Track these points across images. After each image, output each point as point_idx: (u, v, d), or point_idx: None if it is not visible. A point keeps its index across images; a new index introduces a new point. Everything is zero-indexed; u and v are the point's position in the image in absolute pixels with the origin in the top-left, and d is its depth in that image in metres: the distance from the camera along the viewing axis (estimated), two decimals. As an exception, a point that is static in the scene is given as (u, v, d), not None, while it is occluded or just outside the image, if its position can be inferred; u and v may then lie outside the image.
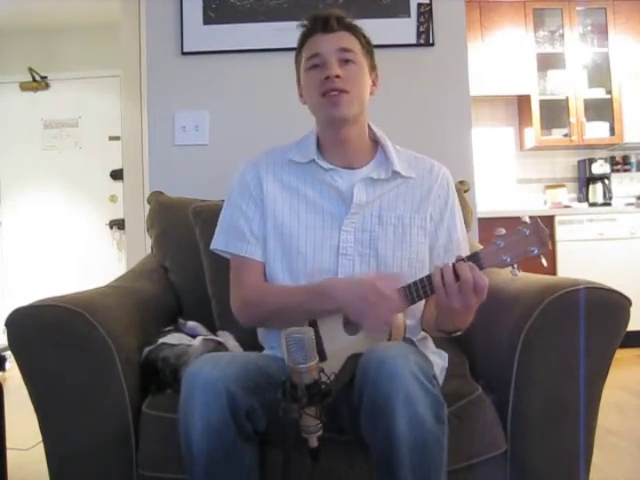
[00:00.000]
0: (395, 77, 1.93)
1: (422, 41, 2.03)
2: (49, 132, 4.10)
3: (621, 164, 4.02)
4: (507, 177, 4.04)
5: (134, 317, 1.29)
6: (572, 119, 3.79)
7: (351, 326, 1.10)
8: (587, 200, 3.91)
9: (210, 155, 2.02)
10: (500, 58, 3.76)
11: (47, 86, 4.10)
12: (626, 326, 1.11)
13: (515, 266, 0.99)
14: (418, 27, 2.03)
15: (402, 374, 0.90)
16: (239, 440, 0.94)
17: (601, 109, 3.84)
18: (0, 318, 1.25)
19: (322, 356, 1.04)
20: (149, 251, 1.81)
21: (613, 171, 3.97)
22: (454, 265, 0.98)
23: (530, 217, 0.99)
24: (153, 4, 2.08)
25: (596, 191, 3.88)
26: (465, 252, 1.13)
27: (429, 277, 1.02)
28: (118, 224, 3.89)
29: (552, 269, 3.29)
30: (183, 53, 2.03)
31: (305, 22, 1.22)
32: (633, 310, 1.10)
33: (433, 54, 2.04)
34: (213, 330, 1.44)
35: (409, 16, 2.03)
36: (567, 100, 3.81)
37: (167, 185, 1.88)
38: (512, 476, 1.14)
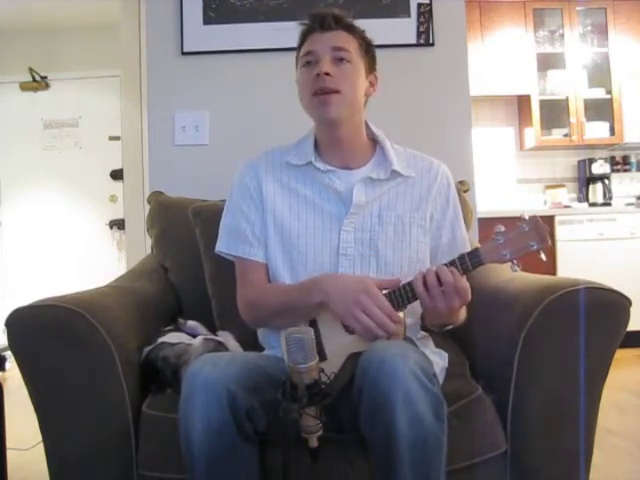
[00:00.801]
0: (395, 77, 1.93)
1: (422, 41, 2.03)
2: (49, 132, 4.10)
3: (621, 164, 4.02)
4: (507, 177, 4.04)
5: (134, 317, 1.29)
6: (572, 119, 3.79)
7: (351, 326, 1.10)
8: (587, 200, 3.90)
9: (210, 155, 2.02)
10: (500, 58, 3.76)
11: (47, 86, 4.10)
12: (626, 326, 1.11)
13: (515, 262, 0.99)
14: (418, 27, 2.03)
15: (402, 372, 0.90)
16: (239, 440, 0.94)
17: (601, 109, 3.84)
18: (0, 318, 1.25)
19: (322, 356, 1.04)
20: (149, 251, 1.81)
21: (613, 171, 3.97)
22: (436, 271, 1.00)
23: (529, 215, 0.99)
24: (153, 4, 2.08)
25: (596, 191, 3.88)
26: (467, 249, 1.14)
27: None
28: (118, 224, 3.89)
29: (552, 269, 3.29)
30: (183, 53, 2.03)
31: (305, 21, 1.22)
32: (633, 310, 1.10)
33: (433, 54, 2.04)
34: (213, 330, 1.44)
35: (409, 16, 2.03)
36: (567, 100, 3.81)
37: (167, 185, 1.88)
38: (512, 476, 1.14)
